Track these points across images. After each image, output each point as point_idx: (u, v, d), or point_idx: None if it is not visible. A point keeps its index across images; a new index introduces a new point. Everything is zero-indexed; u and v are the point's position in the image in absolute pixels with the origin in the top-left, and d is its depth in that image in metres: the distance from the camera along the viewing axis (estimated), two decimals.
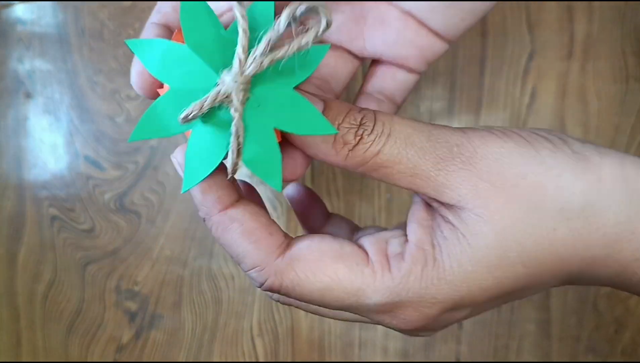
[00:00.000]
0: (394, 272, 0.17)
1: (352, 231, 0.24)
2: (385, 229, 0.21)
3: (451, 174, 0.17)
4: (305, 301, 0.18)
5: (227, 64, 0.16)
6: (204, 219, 0.19)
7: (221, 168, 0.18)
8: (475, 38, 0.34)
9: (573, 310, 0.36)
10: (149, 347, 0.39)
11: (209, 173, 0.17)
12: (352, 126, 0.17)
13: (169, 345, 0.38)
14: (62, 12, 0.37)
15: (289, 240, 0.18)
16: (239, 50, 0.15)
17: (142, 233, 0.38)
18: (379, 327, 0.37)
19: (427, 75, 0.35)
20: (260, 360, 0.38)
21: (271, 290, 0.18)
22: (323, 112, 0.17)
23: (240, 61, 0.15)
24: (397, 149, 0.17)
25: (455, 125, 0.35)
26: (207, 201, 0.18)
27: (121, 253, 0.38)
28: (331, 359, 0.38)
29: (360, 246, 0.19)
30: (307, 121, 0.16)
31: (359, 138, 0.17)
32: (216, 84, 0.16)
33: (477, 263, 0.17)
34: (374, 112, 0.18)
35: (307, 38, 0.15)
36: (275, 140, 0.17)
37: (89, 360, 0.39)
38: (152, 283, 0.38)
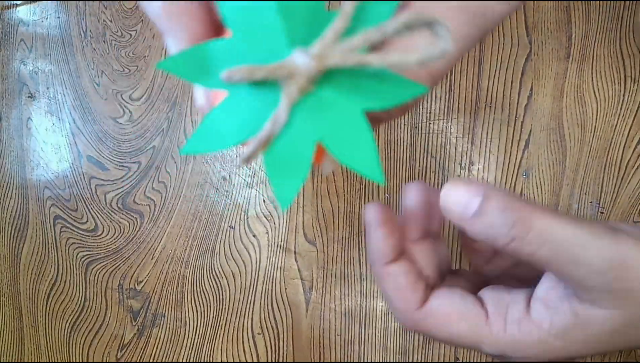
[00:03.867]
0: (508, 334, 0.21)
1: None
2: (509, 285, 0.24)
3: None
4: (434, 339, 0.23)
5: (308, 43, 0.13)
6: (372, 268, 0.23)
7: (393, 229, 0.21)
8: None
9: None
10: (151, 345, 0.39)
11: (304, 180, 0.14)
12: (507, 229, 0.18)
13: (171, 343, 0.39)
14: (64, 13, 0.37)
15: (428, 294, 0.23)
16: (329, 32, 0.13)
17: (145, 233, 0.38)
18: (378, 325, 0.37)
19: None
20: (262, 358, 0.38)
21: (413, 330, 0.23)
22: (483, 200, 0.18)
23: (324, 43, 0.13)
24: (552, 254, 0.18)
25: (454, 125, 0.35)
26: (375, 255, 0.22)
27: (123, 253, 0.38)
28: (331, 357, 0.38)
29: (484, 303, 0.22)
30: (360, 156, 0.14)
31: (511, 240, 0.19)
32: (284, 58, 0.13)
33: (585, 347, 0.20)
34: (532, 217, 0.18)
35: (412, 58, 0.12)
36: (367, 127, 0.14)
37: (91, 359, 0.39)
38: (154, 282, 0.38)
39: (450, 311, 0.22)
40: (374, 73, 0.13)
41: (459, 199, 0.19)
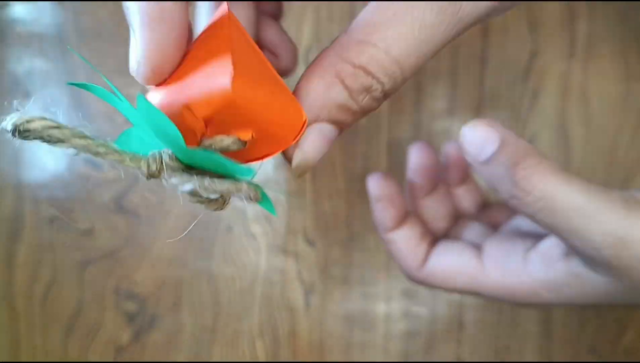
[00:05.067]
0: (504, 283, 0.22)
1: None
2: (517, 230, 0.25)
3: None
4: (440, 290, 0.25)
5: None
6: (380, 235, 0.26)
7: (393, 199, 0.24)
8: (476, 37, 0.34)
9: (575, 311, 0.36)
10: (148, 348, 0.38)
11: None
12: (511, 185, 0.18)
13: (168, 347, 0.38)
14: (61, 11, 0.37)
15: (430, 251, 0.25)
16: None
17: (142, 234, 0.38)
18: (379, 328, 0.37)
19: (428, 74, 0.35)
20: (261, 361, 0.38)
21: (420, 284, 0.25)
22: (497, 149, 0.18)
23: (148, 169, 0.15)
24: (552, 220, 0.18)
25: (456, 124, 0.35)
26: (378, 225, 0.25)
27: (120, 254, 0.38)
28: (331, 360, 0.37)
29: (482, 253, 0.24)
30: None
31: (512, 197, 0.18)
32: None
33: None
34: (540, 176, 0.18)
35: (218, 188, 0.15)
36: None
37: (88, 361, 0.39)
38: (151, 284, 0.38)
39: (449, 267, 0.24)
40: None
41: (475, 141, 0.18)
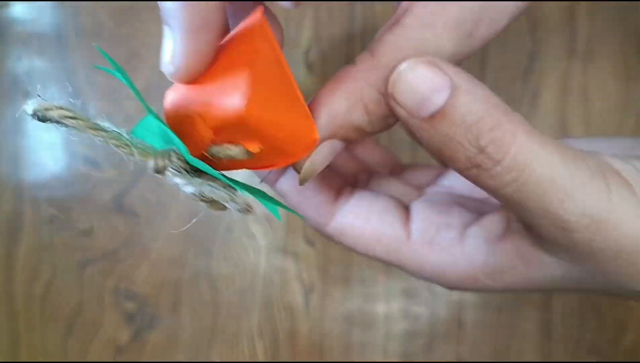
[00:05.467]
0: (431, 263, 0.18)
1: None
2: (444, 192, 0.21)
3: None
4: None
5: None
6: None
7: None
8: None
9: (574, 311, 0.36)
10: (148, 348, 0.38)
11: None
12: (470, 149, 0.14)
13: (167, 347, 0.38)
14: (60, 11, 0.37)
15: (336, 200, 0.20)
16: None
17: (141, 234, 0.38)
18: (379, 328, 0.37)
19: None
20: (260, 361, 0.38)
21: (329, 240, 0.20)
22: (450, 100, 0.13)
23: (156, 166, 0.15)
24: (521, 196, 0.14)
25: None
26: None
27: (120, 254, 0.38)
28: (331, 360, 0.37)
29: (409, 219, 0.19)
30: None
31: (472, 166, 0.14)
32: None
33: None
34: (514, 140, 0.14)
35: (232, 205, 0.15)
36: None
37: (87, 361, 0.39)
38: (150, 284, 0.38)
39: (365, 231, 0.19)
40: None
41: (415, 87, 0.13)
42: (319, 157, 0.16)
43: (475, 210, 0.19)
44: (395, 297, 0.37)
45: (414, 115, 0.14)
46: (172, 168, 0.15)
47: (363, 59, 0.16)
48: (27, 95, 0.38)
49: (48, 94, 0.37)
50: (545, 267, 0.16)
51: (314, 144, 0.16)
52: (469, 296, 0.36)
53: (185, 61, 0.15)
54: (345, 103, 0.16)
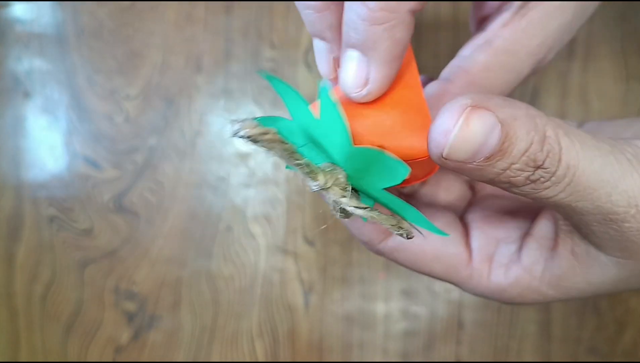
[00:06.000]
0: (492, 282, 0.18)
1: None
2: (502, 213, 0.20)
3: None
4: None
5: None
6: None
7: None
8: None
9: (573, 311, 0.36)
10: (148, 347, 0.38)
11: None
12: (528, 169, 0.14)
13: (167, 346, 0.38)
14: (60, 11, 0.37)
15: (387, 236, 0.20)
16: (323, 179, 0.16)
17: (141, 234, 0.38)
18: (379, 328, 0.37)
19: (429, 75, 0.35)
20: (260, 361, 0.38)
21: (387, 258, 0.20)
22: (501, 138, 0.13)
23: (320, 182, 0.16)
24: (573, 198, 0.14)
25: None
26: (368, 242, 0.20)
27: (120, 254, 0.38)
28: (331, 361, 0.37)
29: (469, 237, 0.19)
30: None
31: (529, 182, 0.14)
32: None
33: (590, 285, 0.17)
34: (560, 147, 0.14)
35: (387, 223, 0.15)
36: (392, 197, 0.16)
37: (87, 361, 0.39)
38: (150, 284, 0.38)
39: (423, 248, 0.18)
40: (379, 165, 0.16)
41: (468, 140, 0.13)
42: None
43: (524, 212, 0.19)
44: (395, 297, 0.37)
45: (470, 162, 0.13)
46: (339, 190, 0.16)
47: (458, 76, 0.18)
48: (27, 95, 0.38)
49: (48, 94, 0.38)
50: (603, 267, 0.16)
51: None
52: (468, 296, 0.36)
53: (380, 86, 0.16)
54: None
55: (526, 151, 0.13)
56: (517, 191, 0.14)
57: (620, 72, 0.33)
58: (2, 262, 0.39)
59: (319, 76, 0.36)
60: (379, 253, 0.20)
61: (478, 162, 0.13)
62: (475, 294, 0.19)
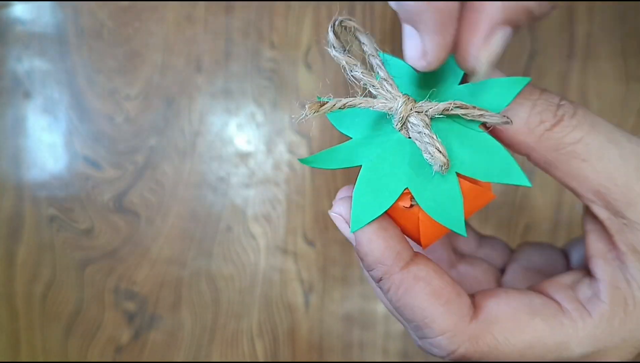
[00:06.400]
0: (595, 318, 0.16)
1: (509, 255, 0.22)
2: (551, 264, 0.19)
3: None
4: (501, 360, 0.16)
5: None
6: (379, 280, 0.16)
7: (393, 218, 0.16)
8: None
9: None
10: (148, 347, 0.38)
11: (384, 210, 0.16)
12: (550, 104, 0.15)
13: (167, 346, 0.38)
14: (61, 11, 0.37)
15: (474, 299, 0.17)
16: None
17: (141, 234, 0.38)
18: (379, 328, 0.37)
19: None
20: (260, 361, 0.38)
21: (464, 357, 0.16)
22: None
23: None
24: (600, 143, 0.15)
25: None
26: (386, 257, 0.16)
27: (120, 254, 0.38)
28: (331, 360, 0.37)
29: (546, 295, 0.17)
30: (497, 167, 0.15)
31: (558, 118, 0.15)
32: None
33: None
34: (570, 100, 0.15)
35: (488, 119, 0.15)
36: (457, 184, 0.15)
37: (87, 361, 0.39)
38: (151, 284, 0.38)
39: (517, 308, 0.16)
40: (487, 152, 0.15)
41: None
42: (497, 43, 0.16)
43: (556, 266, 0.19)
44: None
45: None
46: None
47: None
48: (27, 95, 0.38)
49: (48, 94, 0.38)
50: None
51: (490, 200, 0.17)
52: None
53: (436, 55, 0.16)
54: None
55: (542, 91, 0.15)
56: (554, 130, 0.15)
57: (620, 73, 0.33)
58: (2, 262, 0.39)
59: (318, 76, 0.36)
60: (472, 341, 0.16)
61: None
62: (591, 346, 0.16)
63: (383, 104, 0.16)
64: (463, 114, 0.15)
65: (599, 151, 0.15)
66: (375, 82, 0.16)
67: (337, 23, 0.16)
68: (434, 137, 0.15)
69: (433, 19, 0.15)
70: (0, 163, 0.38)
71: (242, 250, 0.37)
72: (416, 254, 0.16)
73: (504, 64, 0.34)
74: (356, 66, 0.16)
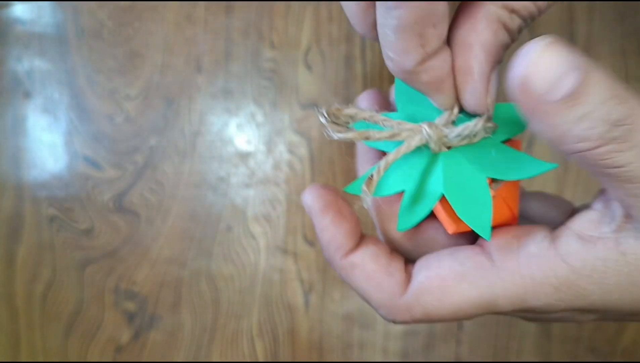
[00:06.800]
0: (525, 276, 0.16)
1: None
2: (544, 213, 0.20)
3: None
4: (439, 321, 0.18)
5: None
6: (329, 262, 0.19)
7: (342, 211, 0.19)
8: None
9: None
10: (148, 347, 0.38)
11: (421, 218, 0.18)
12: (606, 124, 0.13)
13: (167, 346, 0.38)
14: (61, 11, 0.37)
15: (409, 274, 0.18)
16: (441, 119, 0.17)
17: (141, 234, 0.38)
18: (378, 327, 0.37)
19: None
20: (260, 361, 0.38)
21: (404, 323, 0.18)
22: (580, 78, 0.13)
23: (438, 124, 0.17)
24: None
25: None
26: (330, 248, 0.19)
27: (120, 254, 0.38)
28: (331, 360, 0.37)
29: (484, 250, 0.17)
30: (524, 166, 0.17)
31: (606, 142, 0.13)
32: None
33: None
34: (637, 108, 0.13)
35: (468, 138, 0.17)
36: (487, 190, 0.17)
37: (87, 361, 0.39)
38: (151, 284, 0.38)
39: (444, 277, 0.17)
40: (512, 157, 0.17)
41: (546, 70, 0.13)
42: (495, 85, 0.18)
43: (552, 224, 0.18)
44: None
45: (543, 100, 0.13)
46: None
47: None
48: (27, 95, 0.38)
49: (48, 94, 0.38)
50: None
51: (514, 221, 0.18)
52: None
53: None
54: (490, 32, 0.17)
55: (606, 101, 0.13)
56: (590, 154, 0.13)
57: (620, 73, 0.33)
58: (2, 262, 0.39)
59: (318, 76, 0.36)
60: (403, 309, 0.18)
61: (555, 101, 0.13)
62: (515, 300, 0.16)
63: (416, 141, 0.17)
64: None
65: None
66: (395, 124, 0.17)
67: (325, 114, 0.16)
68: (470, 124, 0.17)
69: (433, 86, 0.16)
70: (1, 163, 0.38)
71: (242, 250, 0.37)
72: (363, 238, 0.19)
73: (504, 64, 0.34)
74: (368, 132, 0.17)
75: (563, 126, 0.13)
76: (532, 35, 0.34)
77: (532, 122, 0.14)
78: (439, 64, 0.16)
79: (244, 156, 0.37)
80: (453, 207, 0.17)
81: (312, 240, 0.37)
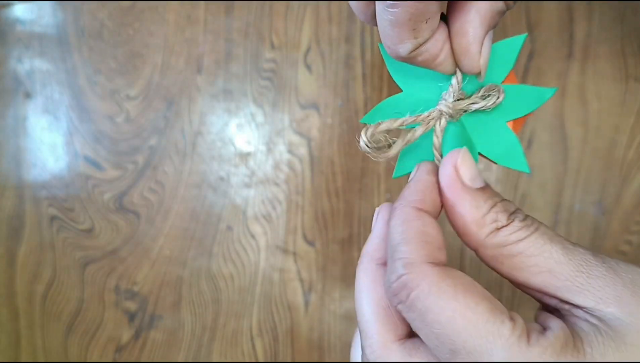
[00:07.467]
0: (532, 342, 0.17)
1: None
2: None
3: (593, 278, 0.17)
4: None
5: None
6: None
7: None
8: None
9: None
10: (148, 346, 0.39)
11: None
12: (506, 210, 0.17)
13: (168, 345, 0.38)
14: (61, 12, 0.37)
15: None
16: (450, 94, 0.20)
17: (142, 233, 0.38)
18: None
19: None
20: (260, 360, 0.38)
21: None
22: (477, 191, 0.18)
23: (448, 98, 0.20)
24: (543, 241, 0.17)
25: None
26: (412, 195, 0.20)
27: (120, 253, 0.38)
28: (331, 359, 0.37)
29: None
30: (508, 153, 0.19)
31: (510, 221, 0.17)
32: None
33: (622, 357, 0.17)
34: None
35: (482, 105, 0.19)
36: (512, 133, 0.19)
37: (88, 360, 0.39)
38: (151, 283, 0.38)
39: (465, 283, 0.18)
40: (505, 140, 0.20)
41: (469, 169, 0.18)
42: (489, 46, 0.19)
43: None
44: None
45: (468, 186, 0.18)
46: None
47: None
48: (28, 95, 0.38)
49: (49, 94, 0.38)
50: None
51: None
52: None
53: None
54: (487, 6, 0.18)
55: (502, 199, 0.18)
56: (503, 230, 0.17)
57: (620, 73, 0.33)
58: (3, 262, 0.39)
59: (318, 76, 0.36)
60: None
61: (475, 188, 0.18)
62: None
63: (443, 123, 0.19)
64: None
65: (541, 248, 0.17)
66: (423, 118, 0.19)
67: (367, 144, 0.18)
68: (478, 94, 0.19)
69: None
70: (1, 162, 0.38)
71: (242, 249, 0.37)
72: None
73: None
74: (403, 139, 0.19)
75: (474, 211, 0.17)
76: (531, 37, 0.34)
77: (452, 207, 0.18)
78: (432, 45, 0.18)
79: (244, 156, 0.37)
80: (490, 159, 0.19)
81: (312, 240, 0.37)
